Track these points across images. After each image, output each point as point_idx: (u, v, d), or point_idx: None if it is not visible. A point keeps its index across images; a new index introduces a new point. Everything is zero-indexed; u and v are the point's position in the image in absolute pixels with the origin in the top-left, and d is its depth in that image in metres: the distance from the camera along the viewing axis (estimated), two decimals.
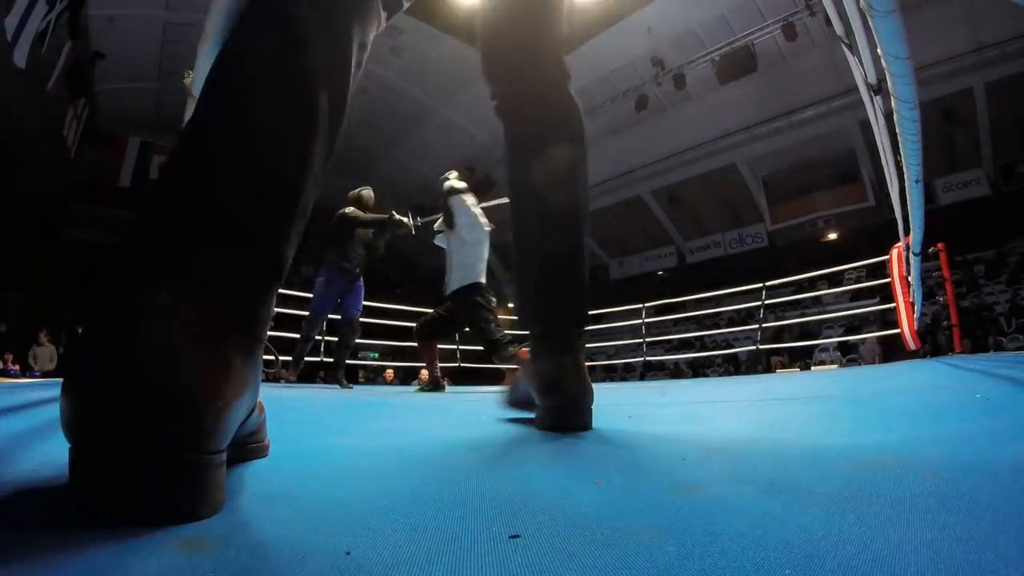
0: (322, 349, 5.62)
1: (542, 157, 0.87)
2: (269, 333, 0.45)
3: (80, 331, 0.37)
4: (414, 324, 3.47)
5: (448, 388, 3.72)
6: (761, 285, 5.90)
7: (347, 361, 4.01)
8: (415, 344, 3.54)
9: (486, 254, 3.22)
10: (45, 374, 7.80)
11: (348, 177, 7.99)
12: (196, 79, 1.38)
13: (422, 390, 3.43)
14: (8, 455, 0.55)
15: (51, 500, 0.36)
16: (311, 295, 3.88)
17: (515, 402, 0.98)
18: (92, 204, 11.79)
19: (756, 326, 6.39)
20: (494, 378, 7.56)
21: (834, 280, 9.88)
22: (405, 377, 8.56)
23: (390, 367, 8.93)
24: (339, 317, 3.89)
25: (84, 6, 6.68)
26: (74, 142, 8.30)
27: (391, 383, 7.95)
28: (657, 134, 12.00)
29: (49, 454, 0.51)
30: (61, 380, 0.35)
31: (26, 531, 0.31)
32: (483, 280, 3.19)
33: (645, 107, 10.69)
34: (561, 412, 0.81)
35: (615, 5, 9.10)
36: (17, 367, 7.79)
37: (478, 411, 1.45)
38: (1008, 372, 1.72)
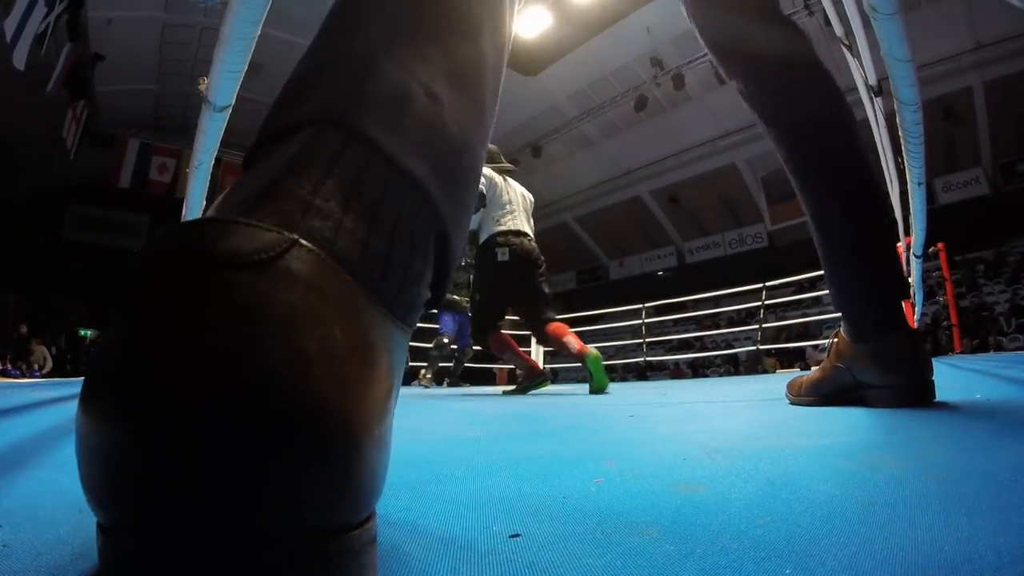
0: None
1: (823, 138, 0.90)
2: None
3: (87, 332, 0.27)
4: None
5: (451, 389, 3.69)
6: (761, 285, 5.90)
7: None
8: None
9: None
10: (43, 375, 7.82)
11: None
12: (211, 85, 1.37)
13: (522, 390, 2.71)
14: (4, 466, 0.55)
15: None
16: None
17: (828, 393, 0.93)
18: (92, 205, 11.82)
19: (756, 326, 6.39)
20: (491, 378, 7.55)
21: None
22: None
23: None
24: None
25: (83, 8, 6.68)
26: (73, 143, 8.31)
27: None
28: (656, 134, 12.00)
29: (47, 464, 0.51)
30: (79, 402, 0.20)
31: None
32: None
33: (644, 107, 10.69)
34: (908, 389, 0.81)
35: (614, 5, 9.10)
36: (8, 366, 7.79)
37: (479, 410, 1.45)
38: (1008, 372, 1.72)
